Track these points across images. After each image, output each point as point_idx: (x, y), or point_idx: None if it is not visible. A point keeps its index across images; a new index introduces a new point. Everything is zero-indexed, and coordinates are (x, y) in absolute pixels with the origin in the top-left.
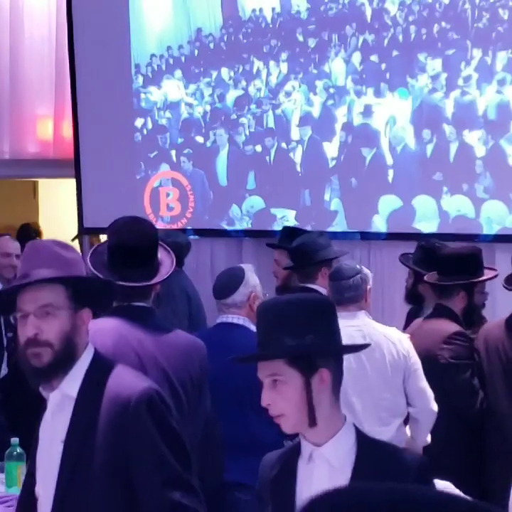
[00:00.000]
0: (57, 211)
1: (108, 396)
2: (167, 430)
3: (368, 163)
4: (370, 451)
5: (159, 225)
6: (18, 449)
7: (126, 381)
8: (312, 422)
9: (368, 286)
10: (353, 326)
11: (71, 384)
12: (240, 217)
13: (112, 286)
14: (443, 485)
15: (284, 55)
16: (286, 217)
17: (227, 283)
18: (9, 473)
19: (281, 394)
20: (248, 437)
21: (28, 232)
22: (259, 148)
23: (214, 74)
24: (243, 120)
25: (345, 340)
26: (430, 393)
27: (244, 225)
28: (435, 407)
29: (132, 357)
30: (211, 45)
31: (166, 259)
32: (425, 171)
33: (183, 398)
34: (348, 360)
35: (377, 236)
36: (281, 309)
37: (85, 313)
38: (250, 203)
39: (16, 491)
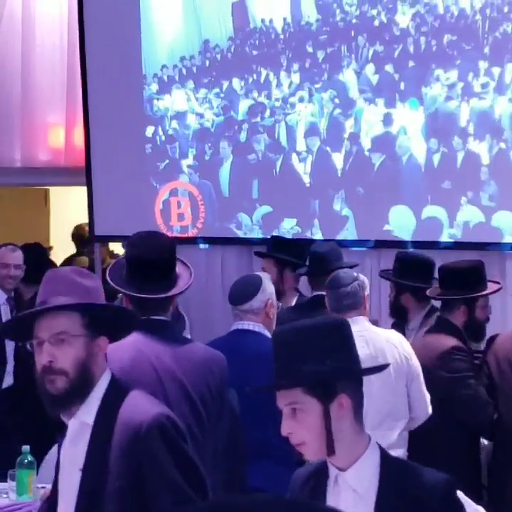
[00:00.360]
0: (69, 219)
1: (121, 422)
2: (179, 455)
3: (376, 171)
4: (393, 474)
5: (171, 235)
6: (29, 457)
7: (139, 407)
8: (330, 450)
9: (366, 293)
10: (355, 331)
11: (88, 411)
12: (251, 227)
13: (129, 313)
14: (474, 508)
15: (294, 66)
16: (296, 227)
17: (245, 289)
18: (20, 481)
19: (300, 422)
20: (263, 443)
21: (35, 252)
22: (268, 158)
23: (224, 84)
24: (253, 131)
25: None
26: (428, 397)
27: (255, 234)
28: (431, 410)
29: (150, 371)
30: (221, 56)
31: (184, 273)
32: (434, 181)
33: (202, 411)
34: None
35: (393, 244)
36: (298, 335)
37: (102, 340)
38: (260, 212)
39: (27, 498)
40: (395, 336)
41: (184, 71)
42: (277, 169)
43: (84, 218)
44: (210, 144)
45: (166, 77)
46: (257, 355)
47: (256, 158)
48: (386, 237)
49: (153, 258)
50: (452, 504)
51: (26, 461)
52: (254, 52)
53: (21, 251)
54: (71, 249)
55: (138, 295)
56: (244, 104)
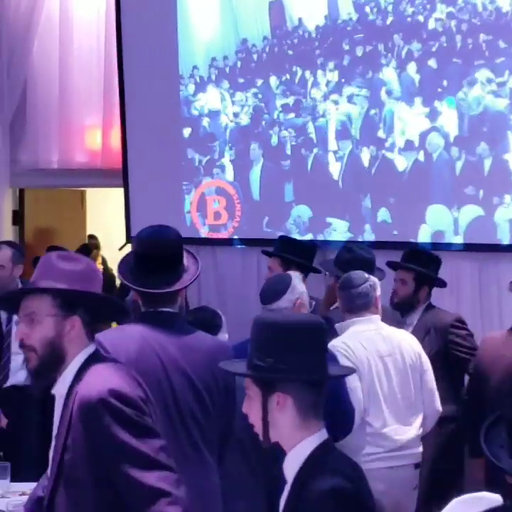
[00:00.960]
0: (105, 220)
1: (77, 396)
2: (127, 421)
3: (409, 172)
4: (307, 471)
5: (206, 234)
6: None
7: (91, 382)
8: (265, 437)
9: (377, 294)
10: (372, 329)
11: (62, 384)
12: (288, 227)
13: (106, 298)
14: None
15: (330, 65)
16: (334, 227)
17: (273, 289)
18: None
19: (248, 408)
20: None
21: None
22: (304, 157)
23: (260, 83)
24: (288, 130)
25: (367, 343)
26: (437, 393)
27: (292, 235)
28: (440, 406)
29: (155, 361)
30: (257, 55)
31: (192, 266)
32: (468, 182)
33: (207, 399)
34: (375, 363)
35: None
36: (263, 328)
37: (75, 320)
38: (297, 212)
39: None
40: (406, 334)
41: (220, 71)
42: (309, 168)
43: (119, 219)
44: (245, 144)
45: (201, 77)
46: None
47: (291, 158)
48: (422, 239)
49: (158, 253)
50: None
51: None
52: (290, 52)
53: (10, 250)
54: (106, 249)
55: (143, 290)
56: (280, 103)
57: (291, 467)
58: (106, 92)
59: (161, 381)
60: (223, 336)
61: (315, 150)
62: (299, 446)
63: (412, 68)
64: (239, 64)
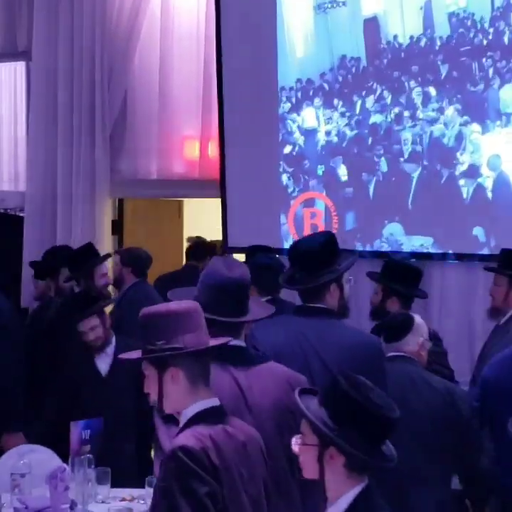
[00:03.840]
0: (201, 230)
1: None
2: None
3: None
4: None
5: None
6: None
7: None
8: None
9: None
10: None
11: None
12: (379, 243)
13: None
14: None
15: (425, 82)
16: (426, 244)
17: (396, 328)
18: None
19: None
20: None
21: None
22: (400, 173)
23: (354, 100)
24: (384, 145)
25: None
26: None
27: (385, 249)
28: None
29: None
30: (352, 72)
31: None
32: None
33: None
34: None
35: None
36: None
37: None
38: (390, 229)
39: None
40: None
41: (314, 88)
42: (413, 185)
43: (215, 229)
44: (339, 160)
45: (297, 93)
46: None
47: (385, 175)
48: None
49: (313, 251)
50: None
51: None
52: (385, 69)
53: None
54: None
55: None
56: (374, 121)
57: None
58: (205, 104)
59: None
60: None
61: (414, 165)
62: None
63: (501, 85)
64: (333, 81)
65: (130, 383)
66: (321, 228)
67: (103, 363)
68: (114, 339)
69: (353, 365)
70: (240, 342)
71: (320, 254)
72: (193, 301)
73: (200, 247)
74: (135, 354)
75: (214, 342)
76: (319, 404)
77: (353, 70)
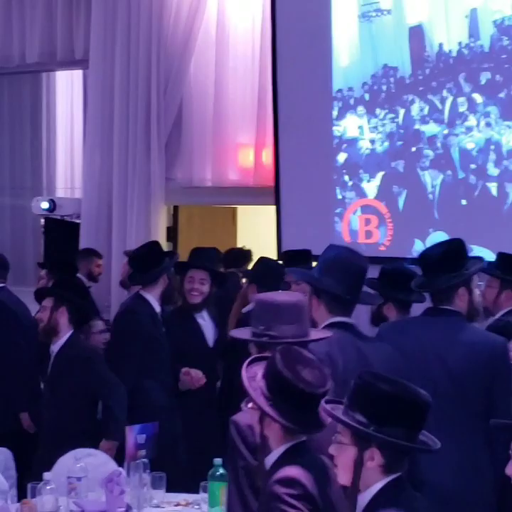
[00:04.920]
0: (255, 237)
1: None
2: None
3: None
4: None
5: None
6: (221, 470)
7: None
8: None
9: None
10: None
11: None
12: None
13: None
14: None
15: (469, 90)
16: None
17: None
18: (212, 493)
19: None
20: None
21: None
22: (447, 182)
23: (400, 109)
24: (428, 152)
25: None
26: None
27: None
28: None
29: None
30: (397, 81)
31: None
32: None
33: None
34: None
35: None
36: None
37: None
38: (434, 238)
39: (218, 510)
40: None
41: (359, 96)
42: (460, 194)
43: (269, 236)
44: (387, 168)
45: (344, 101)
46: None
47: (431, 182)
48: None
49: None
50: None
51: (218, 473)
52: (430, 77)
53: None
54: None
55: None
56: (419, 128)
57: None
58: (259, 111)
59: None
60: None
61: (460, 176)
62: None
63: None
64: (377, 90)
65: None
66: (376, 235)
67: None
68: None
69: (477, 363)
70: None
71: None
72: (300, 295)
73: (238, 255)
74: (245, 334)
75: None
76: (349, 410)
77: (397, 78)
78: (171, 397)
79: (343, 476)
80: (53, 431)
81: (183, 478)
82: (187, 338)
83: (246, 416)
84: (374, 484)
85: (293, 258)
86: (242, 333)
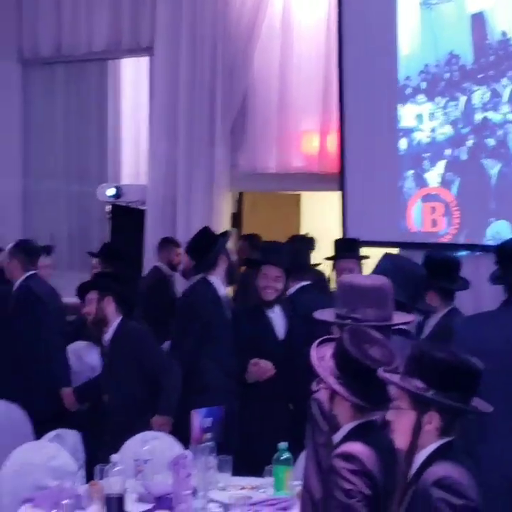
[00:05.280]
0: (319, 224)
1: None
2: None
3: None
4: None
5: (422, 240)
6: (286, 454)
7: None
8: None
9: None
10: None
11: None
12: (485, 241)
13: None
14: None
15: None
16: None
17: None
18: (277, 477)
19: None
20: None
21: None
22: (509, 170)
23: (461, 97)
24: (489, 141)
25: None
26: None
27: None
28: None
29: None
30: (459, 68)
31: None
32: None
33: None
34: None
35: None
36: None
37: None
38: (495, 227)
39: (283, 494)
40: None
41: (419, 84)
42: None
43: (333, 223)
44: (457, 153)
45: (406, 90)
46: None
47: (493, 170)
48: None
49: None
50: None
51: (283, 457)
52: (492, 65)
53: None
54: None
55: None
56: (481, 116)
57: None
58: (324, 98)
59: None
60: None
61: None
62: None
63: None
64: (439, 78)
65: None
66: (441, 223)
67: None
68: None
69: None
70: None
71: None
72: (384, 278)
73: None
74: (329, 316)
75: (399, 319)
76: (406, 377)
77: (459, 66)
78: (230, 378)
79: (401, 440)
80: (117, 414)
81: (237, 460)
82: (256, 330)
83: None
84: (429, 445)
85: (342, 247)
86: (326, 315)
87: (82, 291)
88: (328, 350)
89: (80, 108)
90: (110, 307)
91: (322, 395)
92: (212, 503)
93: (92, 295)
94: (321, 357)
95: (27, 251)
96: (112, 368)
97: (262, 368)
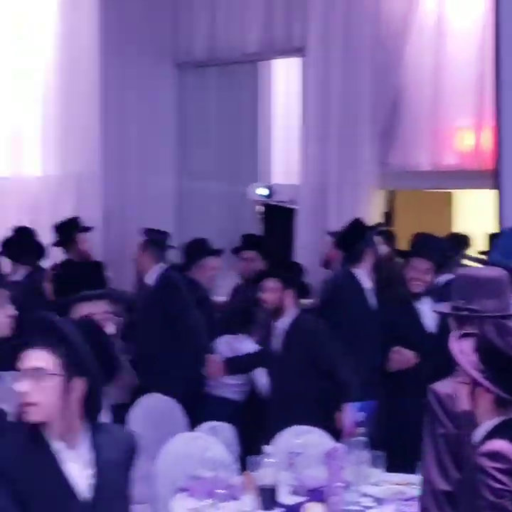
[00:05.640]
0: (470, 222)
1: None
2: None
3: None
4: None
5: None
6: None
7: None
8: None
9: None
10: None
11: None
12: None
13: None
14: None
15: None
16: None
17: None
18: None
19: None
20: None
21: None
22: None
23: None
24: None
25: None
26: None
27: None
28: None
29: None
30: None
31: None
32: None
33: None
34: None
35: None
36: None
37: None
38: None
39: None
40: None
41: None
42: None
43: (486, 221)
44: None
45: None
46: None
47: None
48: None
49: None
50: None
51: None
52: None
53: None
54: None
55: None
56: None
57: None
58: (479, 93)
59: None
60: None
61: None
62: None
63: None
64: None
65: None
66: None
67: None
68: None
69: None
70: None
71: None
72: (501, 270)
73: (460, 240)
74: (445, 308)
75: None
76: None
77: None
78: (374, 373)
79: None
80: (284, 401)
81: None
82: (403, 322)
83: (445, 385)
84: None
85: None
86: (442, 307)
87: (262, 277)
88: (468, 344)
89: (231, 109)
90: (289, 299)
91: (442, 386)
92: (365, 497)
93: (273, 283)
94: (461, 350)
95: (159, 244)
96: (284, 355)
97: (404, 355)
